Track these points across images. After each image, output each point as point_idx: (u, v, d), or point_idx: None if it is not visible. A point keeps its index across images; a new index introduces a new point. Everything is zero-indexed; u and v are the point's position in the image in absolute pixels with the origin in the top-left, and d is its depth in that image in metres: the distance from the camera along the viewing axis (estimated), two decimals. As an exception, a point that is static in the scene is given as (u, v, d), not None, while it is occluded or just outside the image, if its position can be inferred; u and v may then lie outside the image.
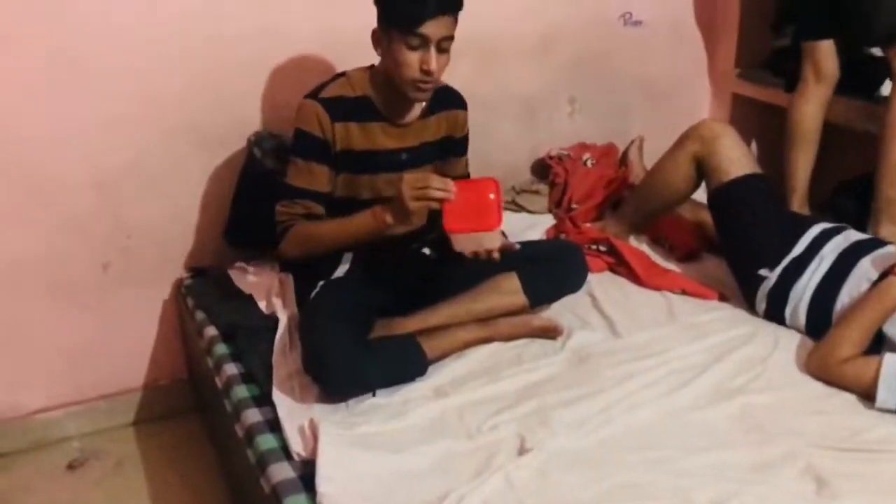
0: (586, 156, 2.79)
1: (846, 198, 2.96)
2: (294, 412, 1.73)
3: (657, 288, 2.27)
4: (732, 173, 2.14)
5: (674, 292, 2.25)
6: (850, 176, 3.00)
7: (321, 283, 1.99)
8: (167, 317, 2.46)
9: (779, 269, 2.04)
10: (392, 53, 1.81)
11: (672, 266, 2.41)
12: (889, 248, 1.98)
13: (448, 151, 2.08)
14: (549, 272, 2.04)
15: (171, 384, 2.54)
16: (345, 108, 1.89)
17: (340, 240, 1.87)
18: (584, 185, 2.69)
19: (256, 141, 2.33)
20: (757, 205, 2.11)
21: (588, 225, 2.53)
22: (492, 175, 1.82)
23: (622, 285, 2.30)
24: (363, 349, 1.76)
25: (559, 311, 2.13)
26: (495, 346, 1.99)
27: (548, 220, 2.68)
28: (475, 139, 2.20)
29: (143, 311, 2.45)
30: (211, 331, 2.12)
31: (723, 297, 2.23)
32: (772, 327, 2.06)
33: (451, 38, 1.81)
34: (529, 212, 2.74)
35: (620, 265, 2.35)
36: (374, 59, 1.92)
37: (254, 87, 2.37)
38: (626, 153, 2.93)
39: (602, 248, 2.40)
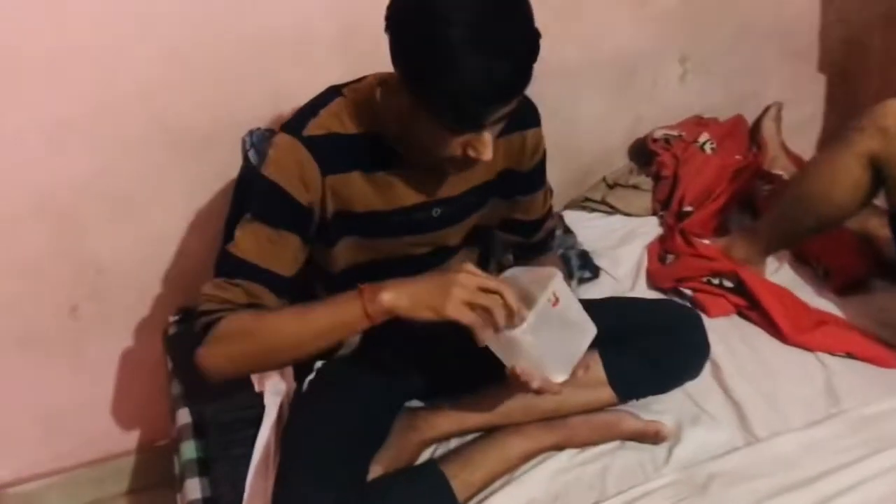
0: (703, 136, 2.05)
1: None
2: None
3: (809, 348, 1.57)
4: (936, 186, 1.40)
5: (834, 355, 1.55)
6: None
7: (319, 364, 1.41)
8: (156, 367, 1.94)
9: None
10: (423, 124, 1.11)
11: (826, 303, 1.70)
12: None
13: (512, 189, 1.37)
14: (651, 353, 1.38)
15: (172, 444, 2.04)
16: (342, 152, 1.21)
17: (304, 345, 1.17)
18: (701, 178, 1.98)
19: (253, 142, 1.74)
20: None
21: (707, 242, 1.82)
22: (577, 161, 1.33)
23: (755, 342, 1.61)
24: None
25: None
26: (566, 458, 1.37)
27: (650, 228, 1.99)
28: (551, 122, 1.50)
29: (127, 361, 1.96)
30: (184, 416, 1.58)
31: (912, 364, 1.51)
32: None
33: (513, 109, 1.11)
34: (625, 214, 2.05)
35: (754, 309, 1.65)
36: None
37: (246, 70, 1.75)
38: (757, 127, 2.18)
39: (727, 284, 1.70)
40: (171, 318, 1.89)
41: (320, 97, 1.24)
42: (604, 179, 2.13)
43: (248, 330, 1.15)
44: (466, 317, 1.08)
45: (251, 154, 1.73)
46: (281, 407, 1.48)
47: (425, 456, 1.39)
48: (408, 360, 1.40)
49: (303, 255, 1.23)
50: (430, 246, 1.32)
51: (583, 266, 1.83)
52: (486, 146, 1.10)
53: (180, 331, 1.81)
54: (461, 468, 1.29)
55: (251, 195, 1.23)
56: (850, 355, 1.54)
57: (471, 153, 1.11)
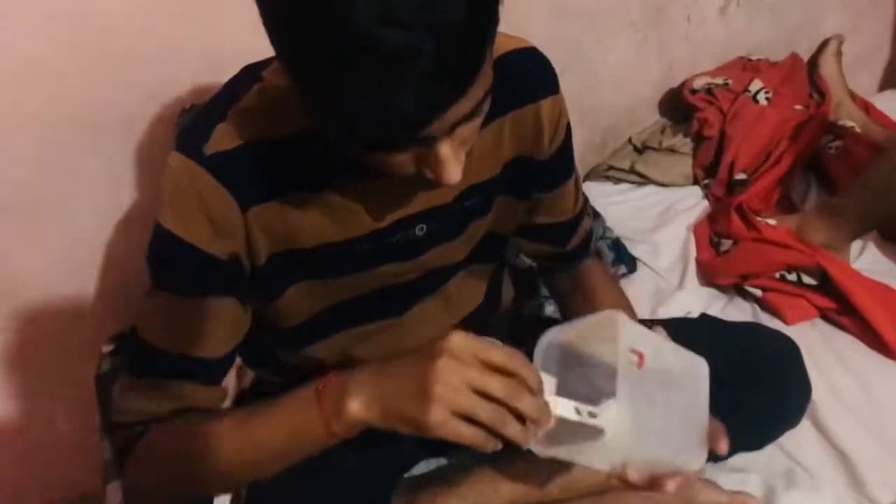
0: (756, 84, 1.65)
1: None
2: None
3: (926, 366, 1.21)
4: None
5: (960, 375, 1.19)
6: None
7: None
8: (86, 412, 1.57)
9: None
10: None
11: (935, 297, 1.33)
12: None
13: (528, 182, 0.95)
14: (738, 401, 1.00)
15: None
16: (268, 168, 0.78)
17: (252, 463, 0.78)
18: (755, 136, 1.59)
19: (186, 122, 1.35)
20: None
21: (773, 222, 1.44)
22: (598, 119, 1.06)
23: (854, 360, 1.24)
24: None
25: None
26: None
27: (692, 203, 1.61)
28: (567, 73, 1.10)
29: (59, 398, 1.59)
30: (115, 493, 1.21)
31: None
32: None
33: (484, 97, 0.69)
34: (658, 184, 1.67)
35: (845, 313, 1.28)
36: None
37: (177, 32, 1.34)
38: (813, 65, 1.78)
39: (809, 281, 1.32)
40: (104, 349, 1.51)
41: (229, 86, 0.82)
42: (630, 142, 1.74)
43: (176, 451, 0.78)
44: (463, 433, 0.68)
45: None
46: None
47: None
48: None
49: (243, 321, 0.84)
50: (419, 273, 0.93)
51: (617, 259, 1.45)
52: (446, 164, 0.69)
53: (114, 367, 1.43)
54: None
55: (150, 254, 0.82)
56: (979, 375, 1.18)
57: (427, 174, 0.71)
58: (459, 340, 0.68)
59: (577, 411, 0.69)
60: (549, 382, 0.71)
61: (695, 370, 0.80)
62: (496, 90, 0.72)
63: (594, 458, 0.72)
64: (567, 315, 1.09)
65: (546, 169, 0.95)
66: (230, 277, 0.80)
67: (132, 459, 0.81)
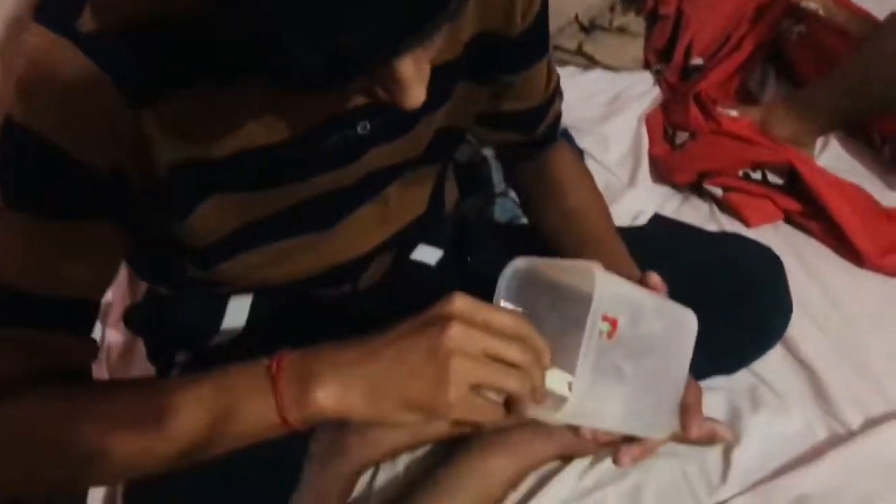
0: (717, -43, 1.49)
1: None
2: None
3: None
4: None
5: (930, 283, 1.11)
6: None
7: (182, 356, 0.88)
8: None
9: None
10: None
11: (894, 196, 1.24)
12: None
13: (495, 64, 0.76)
14: (711, 323, 0.87)
15: None
16: (169, 55, 0.56)
17: (158, 458, 0.58)
18: (715, 17, 1.43)
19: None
20: None
21: (734, 113, 1.30)
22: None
23: (821, 267, 1.14)
24: None
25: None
26: (574, 477, 0.90)
27: (645, 89, 1.47)
28: None
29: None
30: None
31: None
32: None
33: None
34: (607, 67, 1.51)
35: (813, 216, 1.17)
36: None
37: None
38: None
39: (775, 181, 1.20)
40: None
41: None
42: (576, 19, 1.56)
43: (48, 433, 0.58)
44: (481, 411, 0.58)
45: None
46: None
47: (362, 487, 0.91)
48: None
49: (121, 251, 0.65)
50: (359, 176, 0.75)
51: (564, 152, 1.30)
52: (407, 86, 0.51)
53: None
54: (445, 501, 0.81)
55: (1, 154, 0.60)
56: (953, 283, 1.10)
57: (382, 95, 0.53)
58: (466, 303, 0.58)
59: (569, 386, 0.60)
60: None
61: (680, 328, 0.71)
62: None
63: (560, 419, 0.62)
64: (528, 209, 0.94)
65: (517, 46, 0.76)
66: (109, 195, 0.59)
67: None
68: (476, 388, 0.57)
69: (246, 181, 0.65)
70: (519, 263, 0.66)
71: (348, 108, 0.65)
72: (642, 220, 1.20)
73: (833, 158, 1.32)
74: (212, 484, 0.75)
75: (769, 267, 0.95)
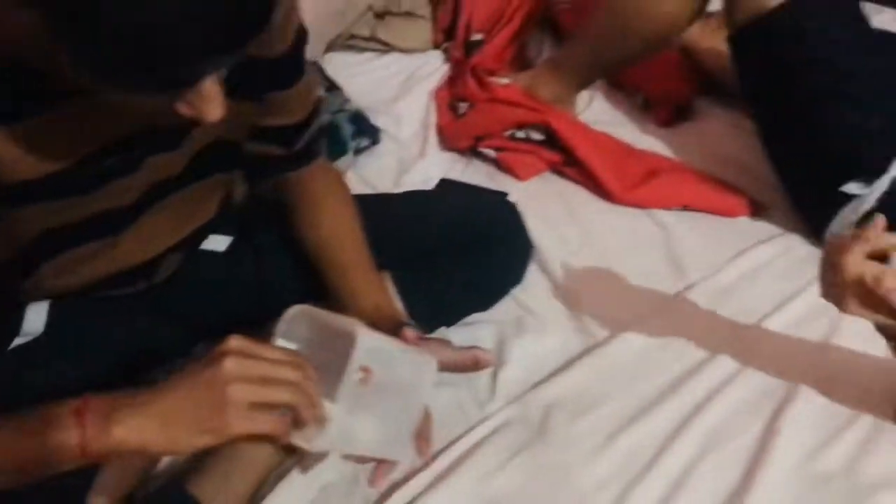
0: (486, -60, 1.63)
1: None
2: None
3: (641, 205, 1.28)
4: (780, -9, 1.08)
5: (670, 209, 1.27)
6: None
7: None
8: None
9: (883, 182, 1.06)
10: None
11: (651, 140, 1.41)
12: None
13: (258, 84, 0.85)
14: (466, 266, 1.03)
15: None
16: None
17: None
18: (488, -3, 1.58)
19: None
20: (834, 52, 1.07)
21: (506, 81, 1.45)
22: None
23: (579, 207, 1.29)
24: None
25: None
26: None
27: (435, 67, 1.60)
28: None
29: None
30: None
31: (756, 207, 1.26)
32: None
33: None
34: (401, 50, 1.64)
35: (572, 164, 1.32)
36: None
37: None
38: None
39: (537, 137, 1.35)
40: None
41: None
42: (370, 8, 1.67)
43: None
44: (264, 425, 0.69)
45: None
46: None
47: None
48: (113, 354, 0.96)
49: None
50: (142, 188, 0.84)
51: (359, 132, 1.41)
52: (210, 101, 0.62)
53: None
54: (214, 484, 0.91)
55: None
56: (686, 207, 1.27)
57: (183, 110, 0.63)
58: (240, 341, 0.69)
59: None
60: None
61: (421, 373, 0.86)
62: None
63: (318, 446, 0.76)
64: (290, 227, 1.03)
65: (277, 68, 0.86)
66: None
67: None
68: (257, 408, 0.68)
69: (42, 194, 0.74)
70: (296, 310, 0.77)
71: (128, 133, 0.75)
72: (431, 185, 1.33)
73: (598, 112, 1.49)
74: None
75: (508, 214, 1.09)
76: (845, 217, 1.07)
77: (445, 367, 1.04)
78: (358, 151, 1.41)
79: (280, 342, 0.76)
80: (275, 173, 1.01)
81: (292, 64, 0.88)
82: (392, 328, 0.89)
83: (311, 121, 0.95)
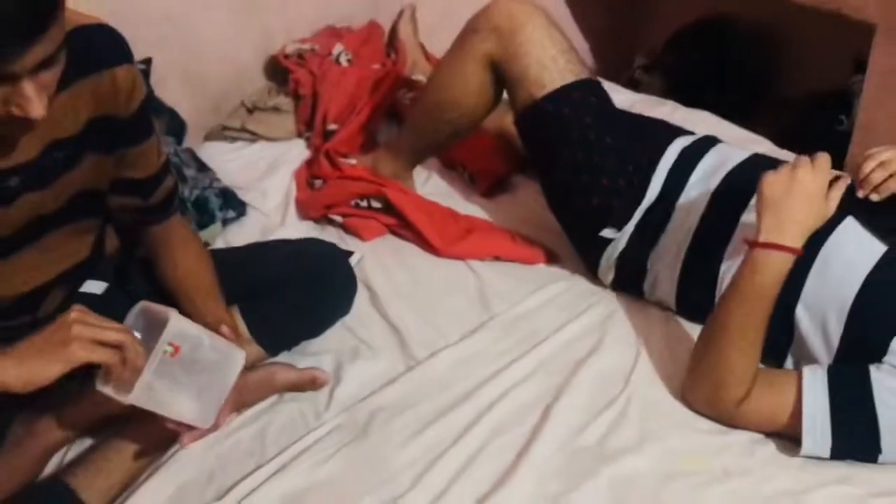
0: (338, 48, 1.94)
1: (679, 53, 2.35)
2: None
3: (460, 257, 1.56)
4: (546, 84, 1.40)
5: (483, 261, 1.56)
6: (682, 23, 2.37)
7: None
8: None
9: (630, 227, 1.38)
10: None
11: (475, 207, 1.70)
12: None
13: (112, 141, 1.11)
14: (298, 302, 1.28)
15: None
16: None
17: None
18: (340, 92, 1.87)
19: None
20: (586, 131, 1.39)
21: (353, 162, 1.73)
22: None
23: (410, 260, 1.56)
24: None
25: (321, 325, 1.40)
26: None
27: (297, 150, 1.87)
28: (168, 44, 1.30)
29: None
30: None
31: (551, 257, 1.56)
32: (626, 306, 1.43)
33: (58, 48, 0.88)
34: (268, 139, 1.90)
35: (404, 227, 1.60)
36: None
37: None
38: (393, 32, 2.10)
39: (376, 205, 1.63)
40: None
41: None
42: (242, 104, 1.95)
43: None
44: (100, 354, 0.95)
45: None
46: None
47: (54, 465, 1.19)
48: None
49: None
50: (18, 223, 1.06)
51: (226, 205, 1.66)
52: (31, 100, 0.86)
53: None
54: (93, 475, 1.10)
55: None
56: (497, 258, 1.55)
57: (15, 111, 0.88)
58: (81, 309, 0.97)
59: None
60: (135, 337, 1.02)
61: (228, 360, 1.13)
62: (71, 58, 0.90)
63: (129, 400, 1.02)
64: (156, 266, 1.26)
65: (129, 126, 1.12)
66: None
67: None
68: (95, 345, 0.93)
69: None
70: (139, 306, 1.05)
71: (7, 165, 0.98)
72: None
73: (434, 186, 1.78)
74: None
75: (334, 255, 1.36)
76: (608, 257, 1.39)
77: (289, 386, 1.29)
78: (226, 222, 1.66)
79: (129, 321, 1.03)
80: (138, 224, 1.24)
81: (141, 125, 1.14)
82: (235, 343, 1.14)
83: (162, 176, 1.19)
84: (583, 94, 1.41)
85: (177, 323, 1.02)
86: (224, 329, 1.12)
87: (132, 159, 1.16)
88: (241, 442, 1.22)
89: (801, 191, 1.16)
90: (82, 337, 0.92)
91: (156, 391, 1.01)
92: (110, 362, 0.96)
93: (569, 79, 1.41)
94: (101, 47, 1.06)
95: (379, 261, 1.54)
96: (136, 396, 0.99)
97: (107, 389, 1.00)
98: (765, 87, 2.26)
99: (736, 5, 2.22)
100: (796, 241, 1.15)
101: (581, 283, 1.50)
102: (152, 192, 1.21)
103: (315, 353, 1.35)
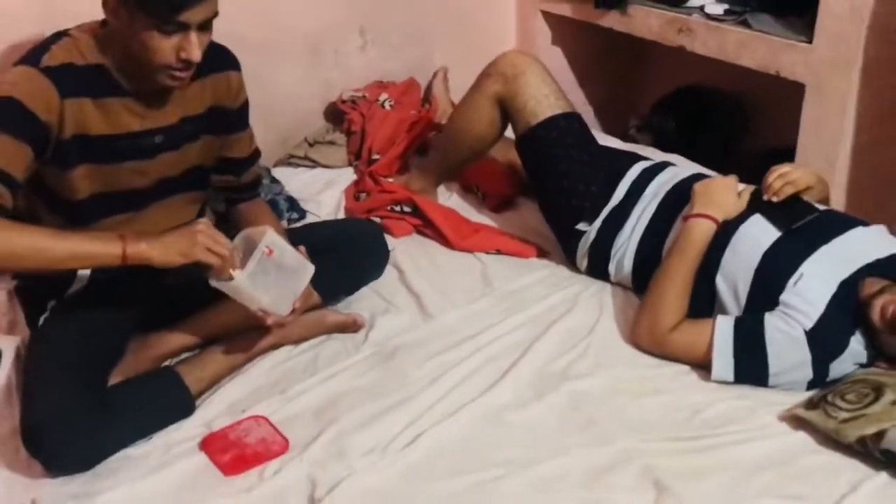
0: (383, 95, 2.43)
1: (665, 115, 2.80)
2: (16, 489, 1.33)
3: (470, 250, 1.99)
4: (539, 114, 1.86)
5: (488, 253, 1.98)
6: (667, 91, 2.84)
7: (52, 303, 1.57)
8: None
9: (598, 222, 1.81)
10: (136, 34, 1.34)
11: (486, 218, 2.15)
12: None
13: (222, 126, 1.61)
14: (344, 261, 1.72)
15: None
16: (76, 80, 1.38)
17: (53, 256, 1.33)
18: (383, 130, 2.35)
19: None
20: (568, 149, 1.84)
21: (391, 180, 2.20)
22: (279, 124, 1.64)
23: (431, 251, 2.00)
24: (98, 414, 1.37)
25: (362, 293, 1.83)
26: (285, 352, 1.66)
27: (347, 176, 2.33)
28: (251, 89, 1.79)
29: None
30: None
31: (542, 253, 1.98)
32: (596, 286, 1.84)
33: (215, 14, 1.38)
34: (325, 166, 2.38)
35: (428, 227, 2.05)
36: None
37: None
38: (429, 88, 2.60)
39: (406, 210, 2.08)
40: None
41: (48, 39, 1.42)
42: (305, 139, 2.44)
43: (7, 238, 1.30)
44: (211, 258, 1.37)
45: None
46: (17, 349, 1.61)
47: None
48: (133, 296, 1.58)
49: (32, 169, 1.38)
50: (155, 176, 1.53)
51: (290, 209, 2.12)
52: (194, 46, 1.35)
53: None
54: (192, 367, 1.53)
55: None
56: (499, 251, 1.98)
57: (182, 55, 1.35)
58: (205, 221, 1.43)
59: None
60: (238, 251, 1.44)
61: (302, 269, 1.55)
62: (205, 60, 1.40)
63: (242, 299, 1.46)
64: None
65: (235, 116, 1.62)
66: (40, 135, 1.36)
67: None
68: (210, 250, 1.37)
69: (100, 156, 1.43)
70: (244, 231, 1.49)
71: (151, 127, 1.47)
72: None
73: (454, 202, 2.23)
74: (73, 350, 1.46)
75: (373, 232, 1.81)
76: (582, 246, 1.81)
77: (336, 325, 1.71)
78: (290, 222, 2.11)
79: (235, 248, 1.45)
80: (230, 202, 1.71)
81: (242, 117, 1.64)
82: None
83: (252, 160, 1.68)
84: (567, 123, 1.86)
85: (272, 234, 1.45)
86: (301, 248, 1.55)
87: (232, 143, 1.65)
88: (299, 364, 1.64)
89: (719, 184, 1.65)
90: (202, 244, 1.37)
91: (254, 281, 1.42)
92: (216, 265, 1.39)
93: (556, 111, 1.86)
94: (223, 57, 1.57)
95: (407, 251, 1.98)
96: (240, 281, 1.40)
97: (219, 283, 1.41)
98: (733, 144, 2.70)
99: (710, 76, 2.68)
100: (717, 215, 1.61)
101: (563, 271, 1.92)
102: (243, 172, 1.69)
103: (356, 310, 1.78)
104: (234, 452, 1.39)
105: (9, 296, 1.75)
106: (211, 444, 1.41)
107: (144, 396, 1.47)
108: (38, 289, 1.57)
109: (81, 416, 1.33)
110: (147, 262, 1.35)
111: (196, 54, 1.36)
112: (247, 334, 1.62)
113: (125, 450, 1.40)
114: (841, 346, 1.48)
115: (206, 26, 1.37)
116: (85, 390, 1.38)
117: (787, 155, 2.31)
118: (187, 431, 1.45)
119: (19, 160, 1.35)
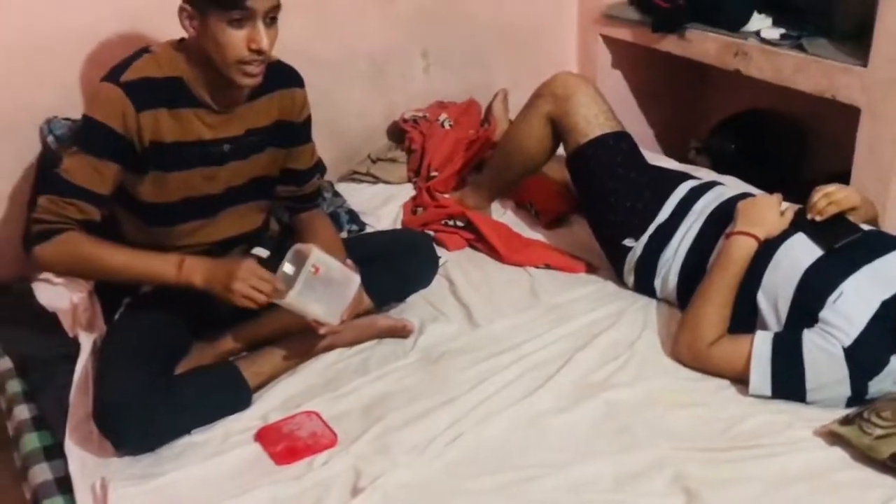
0: (443, 115, 2.52)
1: (725, 138, 2.82)
2: (88, 466, 1.45)
3: (520, 264, 2.06)
4: (589, 134, 1.92)
5: (538, 267, 2.05)
6: (728, 114, 2.86)
7: (126, 300, 1.70)
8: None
9: (644, 238, 1.85)
10: (210, 33, 1.47)
11: (538, 234, 2.21)
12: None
13: (287, 138, 1.72)
14: (395, 268, 1.81)
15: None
16: (153, 93, 1.52)
17: (124, 276, 1.56)
18: (442, 148, 2.44)
19: (51, 129, 2.01)
20: (616, 167, 1.90)
21: (447, 196, 2.29)
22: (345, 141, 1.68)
23: (482, 264, 2.08)
24: (164, 399, 1.49)
25: (413, 301, 1.91)
26: (336, 354, 1.75)
27: (407, 191, 2.43)
28: (320, 107, 1.92)
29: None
30: (5, 363, 1.80)
31: (591, 268, 2.03)
32: (642, 301, 1.89)
33: (279, 6, 1.50)
34: (387, 182, 2.48)
35: (480, 241, 2.12)
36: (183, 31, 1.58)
37: (40, 64, 2.01)
38: (489, 109, 2.68)
39: (459, 224, 2.16)
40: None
41: (131, 56, 1.56)
42: (368, 156, 2.55)
43: (87, 255, 1.51)
44: (246, 303, 1.52)
45: (50, 140, 2.00)
46: (94, 343, 1.75)
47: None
48: (199, 299, 1.65)
49: (119, 178, 1.55)
50: (224, 184, 1.66)
51: (351, 221, 2.23)
52: (262, 35, 1.47)
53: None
54: (251, 363, 1.64)
55: (77, 132, 1.58)
56: (548, 266, 2.04)
57: (252, 45, 1.47)
58: (250, 263, 1.52)
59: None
60: (290, 268, 1.55)
61: (349, 280, 1.64)
62: (270, 76, 1.57)
63: (296, 311, 1.57)
64: (303, 241, 1.82)
65: (299, 130, 1.74)
66: (122, 151, 1.52)
67: (58, 243, 1.49)
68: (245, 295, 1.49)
69: (172, 163, 1.57)
70: (295, 247, 1.59)
71: (219, 136, 1.60)
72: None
73: (508, 218, 2.30)
74: (145, 340, 1.59)
75: (424, 242, 1.89)
76: (629, 262, 1.86)
77: (386, 330, 1.80)
78: (350, 233, 2.22)
79: (286, 264, 1.55)
80: (293, 211, 1.82)
81: (306, 131, 1.76)
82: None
83: (314, 171, 1.79)
84: (616, 142, 1.92)
85: (318, 253, 1.56)
86: (349, 262, 1.65)
87: (296, 155, 1.76)
88: (350, 365, 1.73)
89: (762, 202, 1.69)
90: (238, 291, 1.49)
91: (303, 297, 1.53)
92: (247, 306, 1.52)
93: (606, 131, 1.92)
94: (290, 75, 1.70)
95: (459, 264, 2.06)
96: (292, 297, 1.51)
97: (279, 302, 1.53)
98: (792, 168, 2.70)
99: (771, 101, 2.69)
100: (759, 233, 1.64)
101: (610, 286, 1.97)
102: (305, 182, 1.80)
103: (404, 311, 1.86)
104: (285, 444, 1.48)
105: (89, 295, 1.89)
106: (265, 436, 1.51)
107: (206, 386, 1.58)
108: (116, 288, 1.71)
109: (147, 399, 1.45)
110: (191, 285, 1.52)
111: (265, 43, 1.47)
112: (303, 336, 1.71)
113: (188, 437, 1.51)
114: (881, 364, 1.49)
115: (272, 20, 1.49)
116: (152, 376, 1.50)
117: (845, 179, 2.31)
118: (244, 423, 1.55)
119: (104, 177, 1.52)
